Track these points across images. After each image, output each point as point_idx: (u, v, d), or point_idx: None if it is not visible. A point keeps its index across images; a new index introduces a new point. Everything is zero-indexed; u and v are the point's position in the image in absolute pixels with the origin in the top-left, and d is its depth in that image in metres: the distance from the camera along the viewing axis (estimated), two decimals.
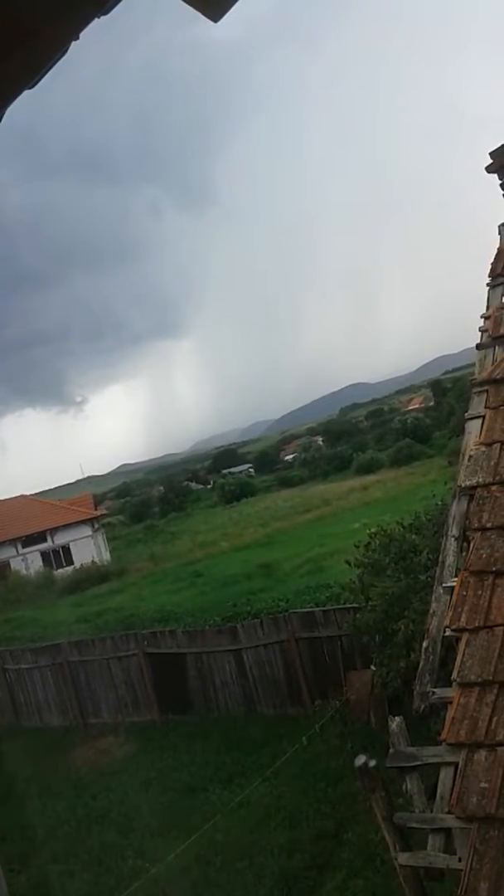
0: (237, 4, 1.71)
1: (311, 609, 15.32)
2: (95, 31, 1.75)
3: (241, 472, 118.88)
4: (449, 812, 4.45)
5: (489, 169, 7.53)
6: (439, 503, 12.59)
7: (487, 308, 6.89)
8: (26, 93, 1.82)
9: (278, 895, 9.39)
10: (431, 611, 5.69)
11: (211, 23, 1.74)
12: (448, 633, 5.20)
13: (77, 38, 1.72)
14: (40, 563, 52.51)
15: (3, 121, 1.87)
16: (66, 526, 54.91)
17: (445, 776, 4.69)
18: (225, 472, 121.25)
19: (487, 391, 6.18)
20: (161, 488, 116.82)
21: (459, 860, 4.38)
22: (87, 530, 55.93)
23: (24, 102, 1.89)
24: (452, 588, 5.35)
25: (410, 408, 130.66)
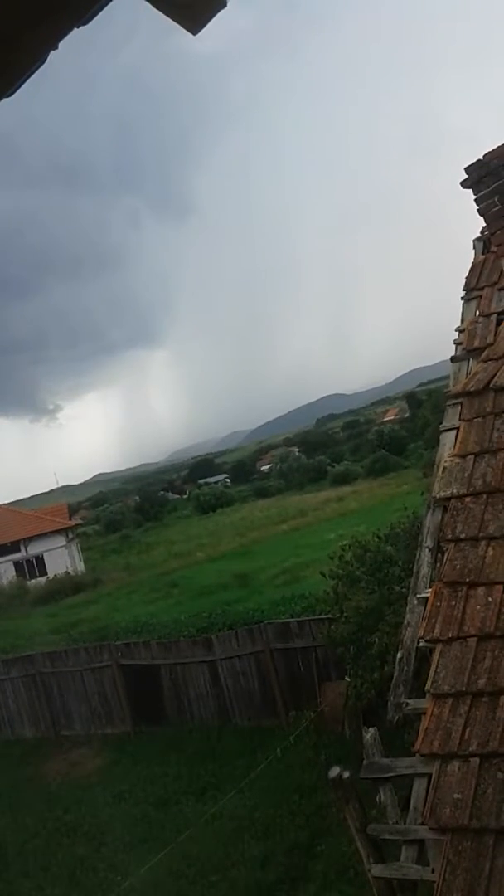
0: (217, 17, 1.72)
1: (286, 620, 15.31)
2: (75, 41, 1.76)
3: (217, 482, 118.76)
4: (422, 823, 4.45)
5: (464, 184, 7.61)
6: (410, 515, 12.67)
7: (462, 321, 6.95)
8: (5, 101, 1.82)
9: None
10: (406, 621, 5.70)
11: (191, 35, 1.75)
12: (422, 643, 5.21)
13: (56, 47, 1.72)
14: (13, 574, 52.03)
15: None
16: (40, 536, 54.46)
17: (419, 787, 4.70)
18: (201, 482, 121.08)
19: (462, 403, 6.23)
20: (137, 498, 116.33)
21: (433, 871, 4.38)
22: (62, 540, 55.49)
23: (4, 111, 1.89)
24: (426, 599, 5.37)
25: (386, 419, 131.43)
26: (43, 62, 1.75)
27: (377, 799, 5.08)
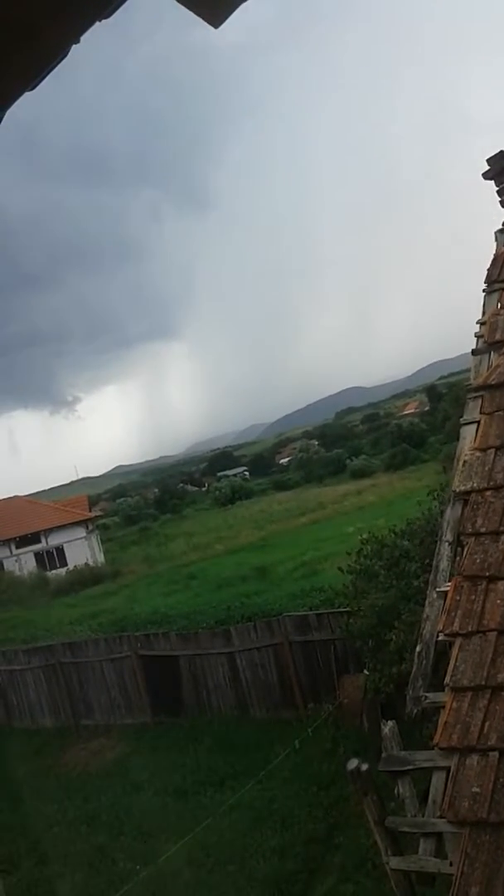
0: (238, 10, 1.71)
1: (305, 613, 15.31)
2: (97, 35, 1.76)
3: (236, 474, 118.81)
4: (441, 816, 4.45)
5: (486, 175, 7.56)
6: (426, 511, 12.63)
7: (483, 314, 6.91)
8: (27, 95, 1.83)
9: None
10: (425, 615, 5.70)
11: (212, 28, 1.75)
12: (441, 637, 5.21)
13: (78, 41, 1.72)
14: (34, 564, 52.42)
15: (3, 122, 1.87)
16: (61, 527, 54.81)
17: (438, 780, 4.70)
18: (220, 474, 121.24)
19: (482, 397, 6.20)
20: (156, 490, 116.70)
21: (451, 864, 4.39)
22: (82, 532, 55.83)
23: (26, 105, 1.90)
24: (446, 593, 5.36)
25: (405, 412, 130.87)
26: (65, 56, 1.76)
27: (395, 792, 5.09)
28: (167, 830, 11.51)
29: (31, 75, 1.77)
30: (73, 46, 1.74)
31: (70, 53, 1.77)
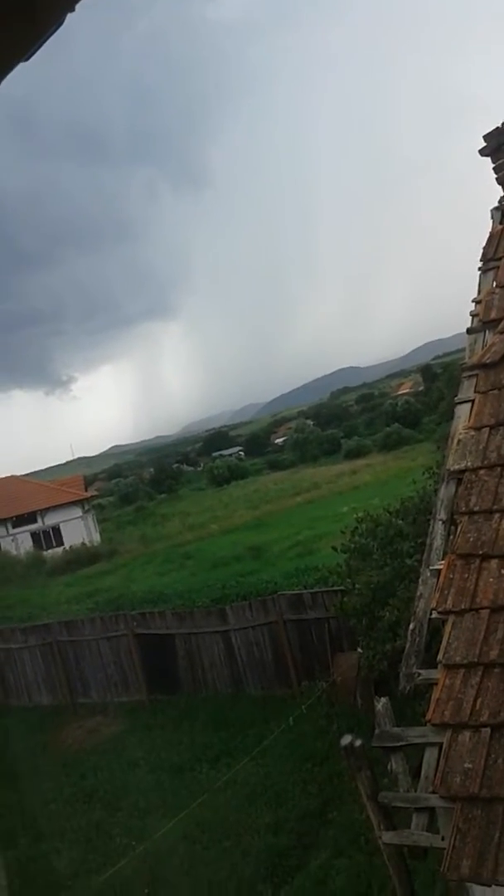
0: None
1: (299, 591, 15.39)
2: (93, 9, 1.73)
3: (231, 454, 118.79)
4: (433, 792, 4.49)
5: (482, 152, 7.50)
6: (420, 490, 12.68)
7: (479, 292, 6.89)
8: (25, 72, 1.79)
9: (264, 873, 9.49)
10: (418, 593, 5.72)
11: (209, 3, 1.72)
12: (434, 615, 5.24)
13: (73, 9, 1.69)
14: (30, 544, 52.53)
15: (1, 99, 1.84)
16: (57, 507, 54.87)
17: (430, 756, 4.74)
18: (216, 454, 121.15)
19: (477, 375, 6.19)
20: (152, 470, 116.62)
21: (442, 839, 4.43)
22: (78, 511, 55.90)
23: (22, 80, 1.87)
24: (439, 571, 5.38)
25: (400, 392, 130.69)
26: (60, 24, 1.72)
27: (388, 767, 5.13)
28: (163, 807, 11.63)
29: (27, 44, 1.73)
30: (69, 15, 1.71)
31: (65, 26, 1.73)
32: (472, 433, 5.86)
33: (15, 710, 18.63)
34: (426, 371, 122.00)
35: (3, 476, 59.40)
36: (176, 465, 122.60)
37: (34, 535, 53.64)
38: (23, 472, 72.09)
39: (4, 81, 1.82)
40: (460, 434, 5.96)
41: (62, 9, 1.67)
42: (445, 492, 5.87)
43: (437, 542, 5.75)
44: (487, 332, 6.52)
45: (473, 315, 6.76)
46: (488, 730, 4.41)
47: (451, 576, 5.19)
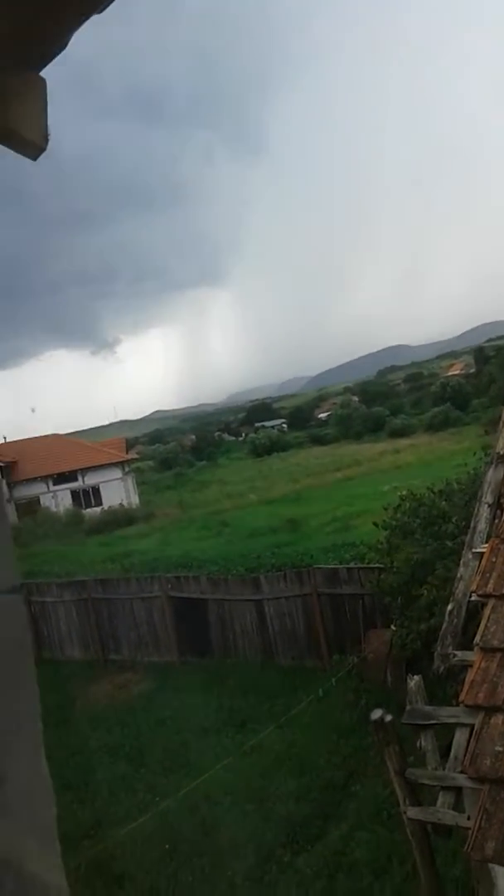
0: None
1: (335, 566, 15.39)
2: None
3: (274, 426, 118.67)
4: (462, 772, 4.50)
5: None
6: (471, 472, 12.53)
7: None
8: (87, 32, 1.74)
9: (284, 840, 9.59)
10: (459, 575, 5.68)
11: None
12: (474, 598, 5.20)
13: None
14: (70, 502, 53.27)
15: (63, 58, 1.79)
16: (97, 467, 55.44)
17: (461, 737, 4.74)
18: (258, 425, 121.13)
19: None
20: (193, 437, 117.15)
21: (468, 819, 4.44)
22: (118, 473, 56.43)
23: (84, 42, 1.82)
24: (482, 554, 5.33)
25: (450, 373, 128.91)
26: None
27: (417, 745, 5.14)
28: (187, 766, 11.81)
29: None
30: None
31: None
32: None
33: (46, 663, 18.98)
34: (478, 353, 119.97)
35: (46, 434, 60.19)
36: (218, 433, 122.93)
37: (74, 494, 54.37)
38: (65, 431, 72.99)
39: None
40: None
41: None
42: (493, 475, 5.80)
43: (482, 524, 5.69)
44: None
45: None
46: None
47: (494, 559, 5.14)
